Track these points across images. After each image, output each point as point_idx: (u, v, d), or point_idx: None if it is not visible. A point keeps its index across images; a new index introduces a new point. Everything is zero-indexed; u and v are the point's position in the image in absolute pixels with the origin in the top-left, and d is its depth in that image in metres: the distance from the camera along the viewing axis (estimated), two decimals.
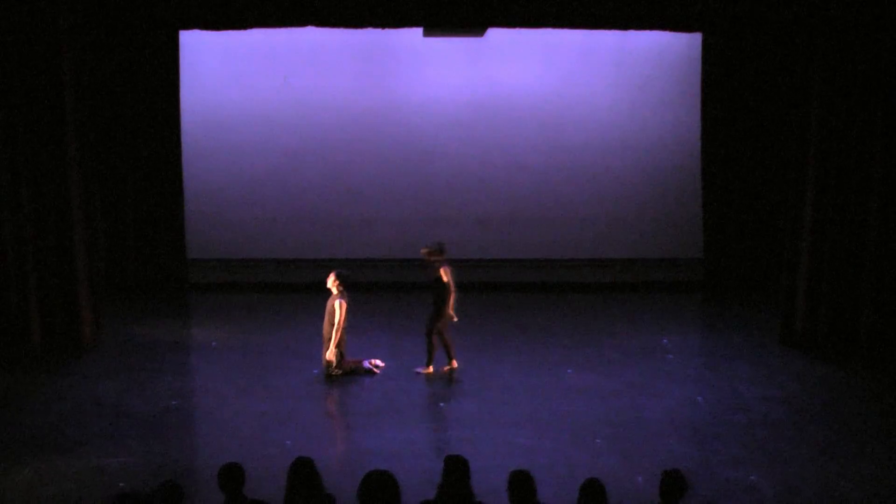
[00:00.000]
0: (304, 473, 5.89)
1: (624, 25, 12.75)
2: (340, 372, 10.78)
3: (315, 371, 11.07)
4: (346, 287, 10.91)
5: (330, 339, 10.76)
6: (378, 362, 11.07)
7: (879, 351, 11.48)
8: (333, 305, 10.77)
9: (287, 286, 15.10)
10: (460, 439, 8.82)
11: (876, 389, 10.49)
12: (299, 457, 6.01)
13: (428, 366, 10.95)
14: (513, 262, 15.64)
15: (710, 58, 14.65)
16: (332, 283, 10.90)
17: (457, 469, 5.97)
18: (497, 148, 15.29)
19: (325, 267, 15.27)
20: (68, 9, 11.32)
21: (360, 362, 11.00)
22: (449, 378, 10.83)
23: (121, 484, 7.84)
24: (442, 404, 9.92)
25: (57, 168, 11.45)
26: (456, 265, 15.45)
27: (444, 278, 10.87)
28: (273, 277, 15.34)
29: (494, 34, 13.97)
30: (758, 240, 14.87)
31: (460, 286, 15.20)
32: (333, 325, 10.73)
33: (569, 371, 11.07)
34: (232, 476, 5.89)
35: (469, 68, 15.11)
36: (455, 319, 10.97)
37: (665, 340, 12.16)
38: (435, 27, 13.08)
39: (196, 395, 10.67)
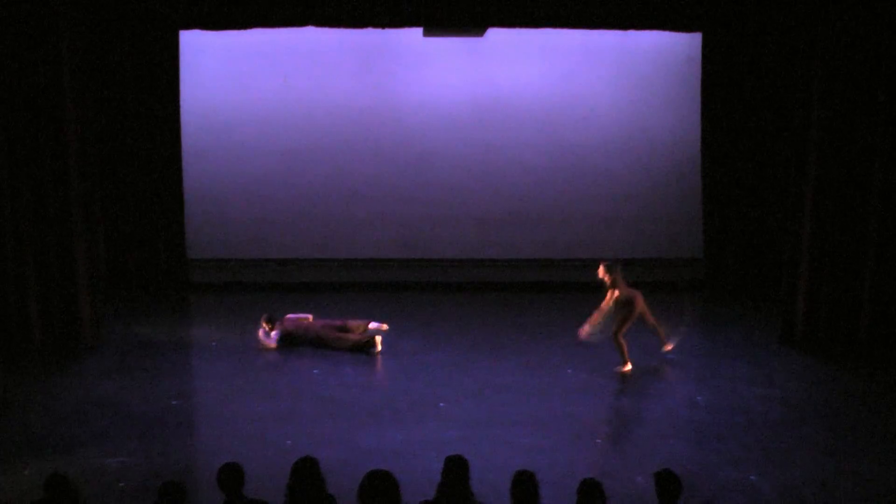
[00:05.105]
0: (307, 473, 5.88)
1: (624, 25, 12.78)
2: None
3: (315, 371, 11.08)
4: (276, 319, 12.02)
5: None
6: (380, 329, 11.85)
7: (879, 351, 11.49)
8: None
9: (287, 286, 15.10)
10: (460, 439, 8.81)
11: (876, 389, 10.49)
12: (304, 456, 5.99)
13: (625, 364, 10.99)
14: (513, 262, 15.65)
15: (710, 58, 14.65)
16: (265, 327, 12.00)
17: (457, 469, 5.97)
18: (497, 148, 15.30)
19: (326, 267, 15.42)
20: (68, 9, 11.33)
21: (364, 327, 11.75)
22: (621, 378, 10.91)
23: (121, 484, 7.85)
24: (442, 404, 9.92)
25: (57, 168, 11.45)
26: (456, 265, 15.59)
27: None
28: (273, 277, 15.34)
29: (494, 34, 13.97)
30: (758, 240, 14.88)
31: (460, 286, 15.30)
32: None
33: (569, 371, 11.07)
34: (232, 476, 5.89)
35: (469, 68, 15.12)
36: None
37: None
38: (435, 27, 13.10)
39: (196, 395, 10.67)
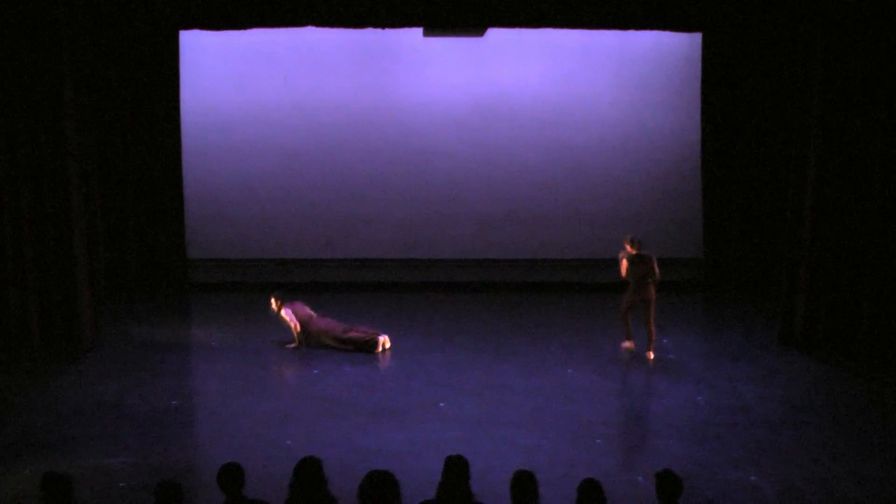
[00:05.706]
0: (310, 473, 5.87)
1: (624, 25, 12.76)
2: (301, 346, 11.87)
3: (315, 371, 11.08)
4: (287, 299, 12.04)
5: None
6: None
7: (879, 351, 11.48)
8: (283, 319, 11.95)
9: (287, 286, 15.08)
10: (460, 439, 8.81)
11: (876, 389, 10.49)
12: (308, 456, 5.98)
13: (627, 339, 11.68)
14: (513, 262, 15.65)
15: (710, 58, 14.66)
16: (274, 306, 12.00)
17: (457, 469, 5.97)
18: (497, 148, 15.30)
19: (326, 267, 15.42)
20: (68, 8, 11.33)
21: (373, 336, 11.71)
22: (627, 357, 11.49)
23: (121, 484, 7.85)
24: (442, 404, 9.92)
25: (57, 168, 11.45)
26: (456, 265, 15.58)
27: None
28: (273, 277, 15.34)
29: (494, 34, 13.97)
30: (758, 240, 14.87)
31: (460, 286, 15.29)
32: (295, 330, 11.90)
33: (569, 371, 11.07)
34: (232, 476, 5.88)
35: (469, 68, 15.12)
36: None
37: (665, 340, 12.16)
38: (435, 27, 13.08)
39: (196, 395, 10.68)
